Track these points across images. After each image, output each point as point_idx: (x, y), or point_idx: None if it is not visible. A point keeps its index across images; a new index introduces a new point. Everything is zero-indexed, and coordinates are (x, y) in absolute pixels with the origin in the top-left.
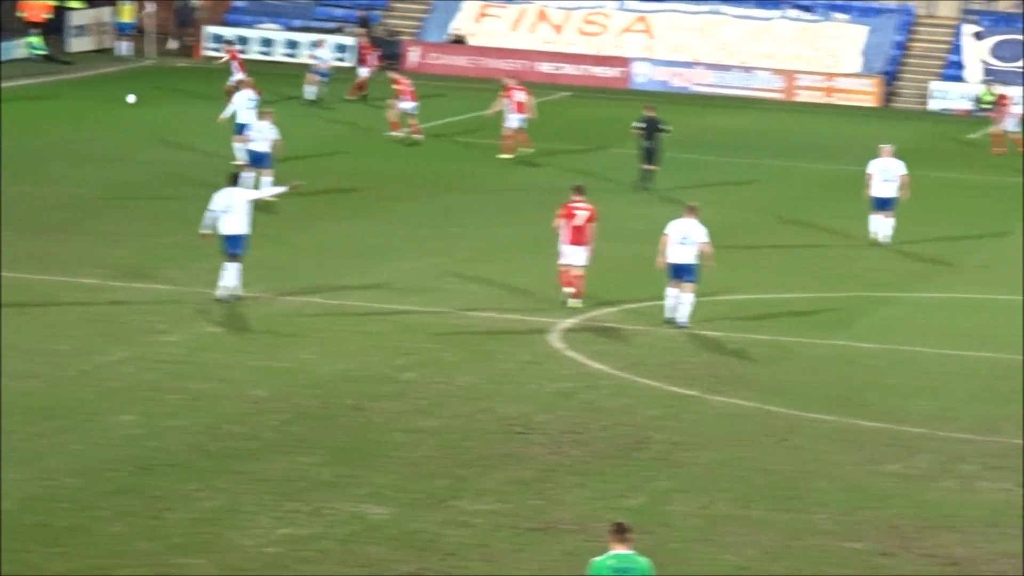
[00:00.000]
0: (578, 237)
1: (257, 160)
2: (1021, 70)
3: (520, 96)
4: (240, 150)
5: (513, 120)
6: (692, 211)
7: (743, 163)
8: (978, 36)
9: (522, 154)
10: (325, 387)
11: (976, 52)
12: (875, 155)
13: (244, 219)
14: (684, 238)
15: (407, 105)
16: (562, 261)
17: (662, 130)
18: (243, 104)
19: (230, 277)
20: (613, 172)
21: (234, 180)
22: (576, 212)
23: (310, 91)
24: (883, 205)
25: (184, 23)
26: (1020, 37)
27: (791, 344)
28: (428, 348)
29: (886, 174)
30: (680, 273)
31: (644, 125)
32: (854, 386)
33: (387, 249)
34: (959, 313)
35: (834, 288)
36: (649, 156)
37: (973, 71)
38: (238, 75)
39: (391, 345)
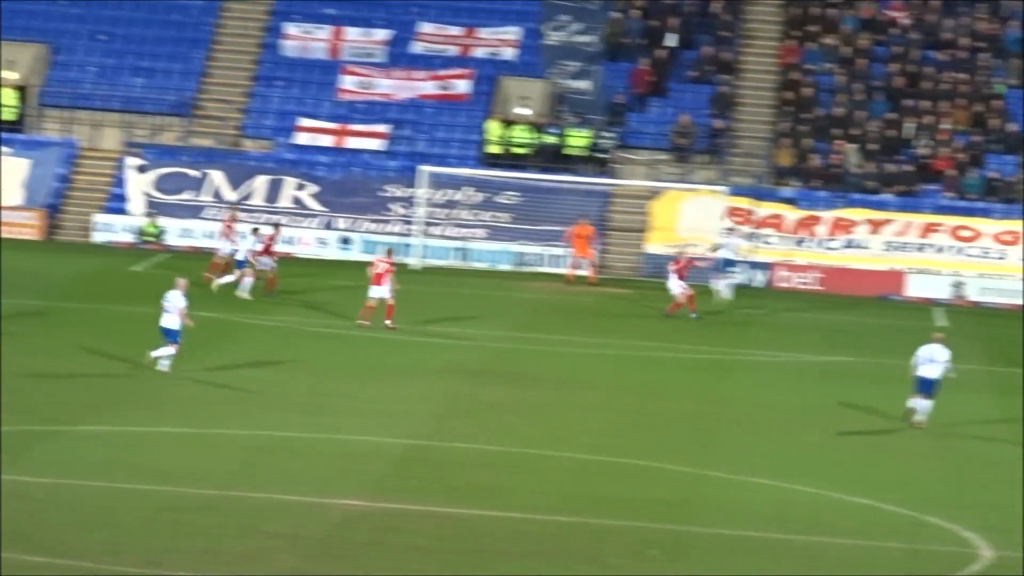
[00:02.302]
0: None
1: None
2: (184, 202)
3: None
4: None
5: None
6: None
7: None
8: (141, 169)
9: None
10: None
11: (139, 185)
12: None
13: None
14: None
15: None
16: None
17: None
18: None
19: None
20: None
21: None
22: None
23: None
24: None
25: None
26: (182, 170)
27: None
28: None
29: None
30: None
31: None
32: (20, 521)
33: None
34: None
35: None
36: None
37: (137, 203)
38: None
39: None
